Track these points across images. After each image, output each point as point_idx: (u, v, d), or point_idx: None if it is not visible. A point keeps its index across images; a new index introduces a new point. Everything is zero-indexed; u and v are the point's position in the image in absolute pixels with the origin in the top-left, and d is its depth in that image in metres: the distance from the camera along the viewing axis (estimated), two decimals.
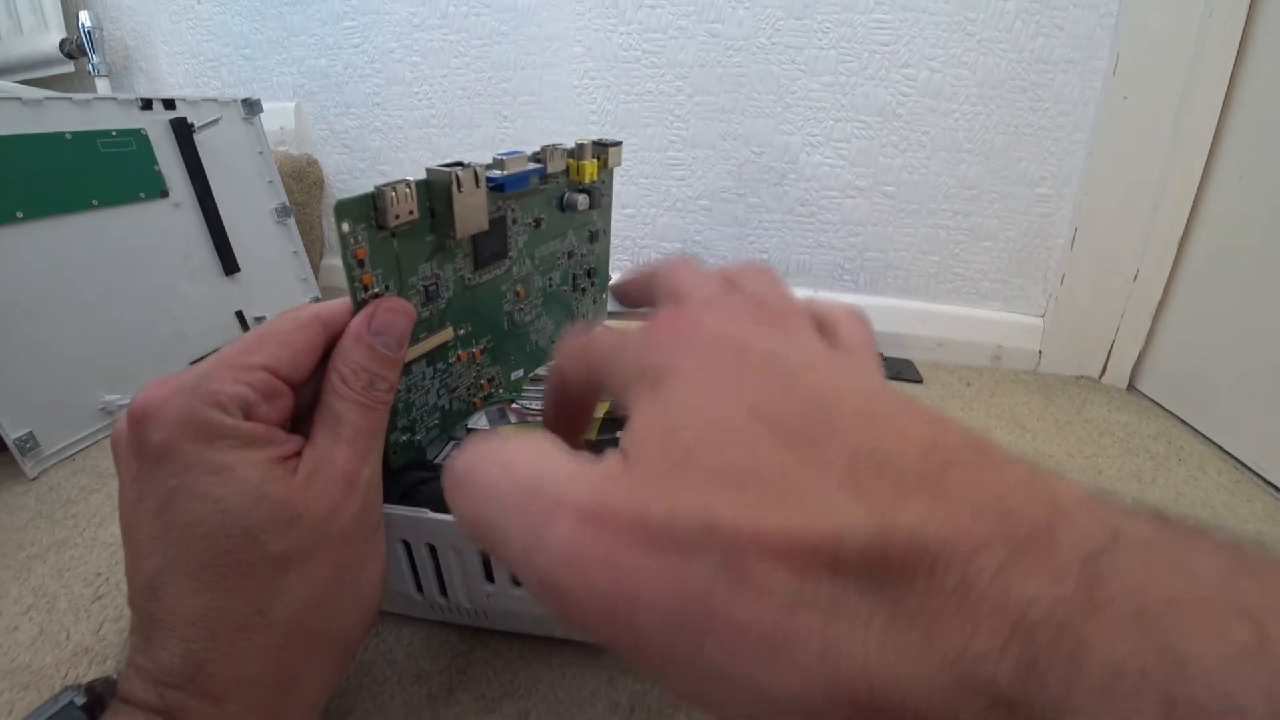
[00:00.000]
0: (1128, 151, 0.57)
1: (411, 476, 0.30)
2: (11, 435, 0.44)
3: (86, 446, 0.49)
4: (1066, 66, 0.58)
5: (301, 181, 0.75)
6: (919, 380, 0.63)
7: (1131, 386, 0.63)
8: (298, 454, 0.21)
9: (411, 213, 0.23)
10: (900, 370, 0.64)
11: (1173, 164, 0.55)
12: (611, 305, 0.42)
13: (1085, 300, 0.62)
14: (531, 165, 0.29)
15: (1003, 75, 0.59)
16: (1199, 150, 0.54)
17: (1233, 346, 0.52)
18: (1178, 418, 0.57)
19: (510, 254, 0.30)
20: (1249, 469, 0.48)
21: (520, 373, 0.34)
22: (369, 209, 0.22)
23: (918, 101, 0.61)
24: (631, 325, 0.17)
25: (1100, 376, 0.64)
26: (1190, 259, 0.57)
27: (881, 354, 0.67)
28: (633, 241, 0.74)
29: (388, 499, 0.26)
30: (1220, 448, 0.52)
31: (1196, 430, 0.54)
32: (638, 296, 0.22)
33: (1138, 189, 0.57)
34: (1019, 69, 0.58)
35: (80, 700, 0.18)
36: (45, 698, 0.18)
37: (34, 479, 0.45)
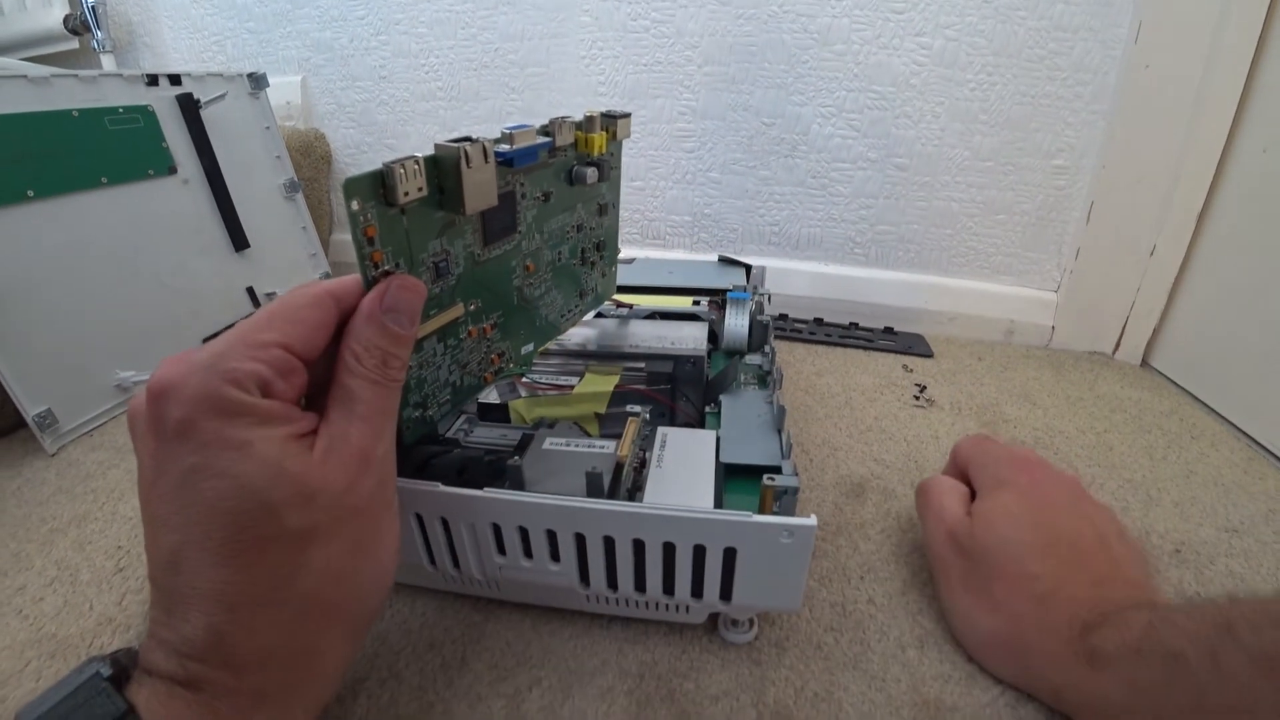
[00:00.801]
0: (1148, 122, 0.56)
1: (425, 451, 0.31)
2: (31, 412, 0.45)
3: (104, 423, 0.50)
4: (1086, 34, 0.56)
5: (309, 156, 0.75)
6: (930, 355, 0.62)
7: (1145, 363, 0.63)
8: (313, 431, 0.21)
9: (420, 189, 0.23)
10: (911, 345, 0.64)
11: (1194, 135, 0.54)
12: (620, 280, 0.42)
13: (1100, 275, 0.61)
14: (540, 139, 0.29)
15: (1020, 43, 0.57)
16: (1222, 121, 0.53)
17: (1250, 323, 0.51)
18: (1191, 395, 0.56)
19: (519, 229, 0.30)
20: (1262, 447, 0.48)
21: (530, 347, 0.34)
22: (378, 186, 0.22)
23: (932, 71, 0.60)
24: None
25: (1114, 352, 0.64)
26: (1209, 234, 0.56)
27: (892, 328, 0.67)
28: (642, 214, 0.73)
29: (401, 473, 0.26)
30: (1234, 425, 0.51)
31: (1210, 408, 0.54)
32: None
33: (1157, 161, 0.56)
34: (1037, 37, 0.57)
35: (106, 671, 0.18)
36: (71, 666, 0.19)
37: (53, 455, 0.46)
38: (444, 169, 0.24)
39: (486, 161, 0.25)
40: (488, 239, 0.28)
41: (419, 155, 0.23)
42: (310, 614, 0.20)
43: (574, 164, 0.33)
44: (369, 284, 0.23)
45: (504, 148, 0.27)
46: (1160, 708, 0.23)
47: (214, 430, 0.19)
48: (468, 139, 0.24)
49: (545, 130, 0.30)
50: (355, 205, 0.22)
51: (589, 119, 0.32)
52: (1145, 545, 0.37)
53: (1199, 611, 0.24)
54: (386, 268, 0.23)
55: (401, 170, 0.22)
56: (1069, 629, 0.26)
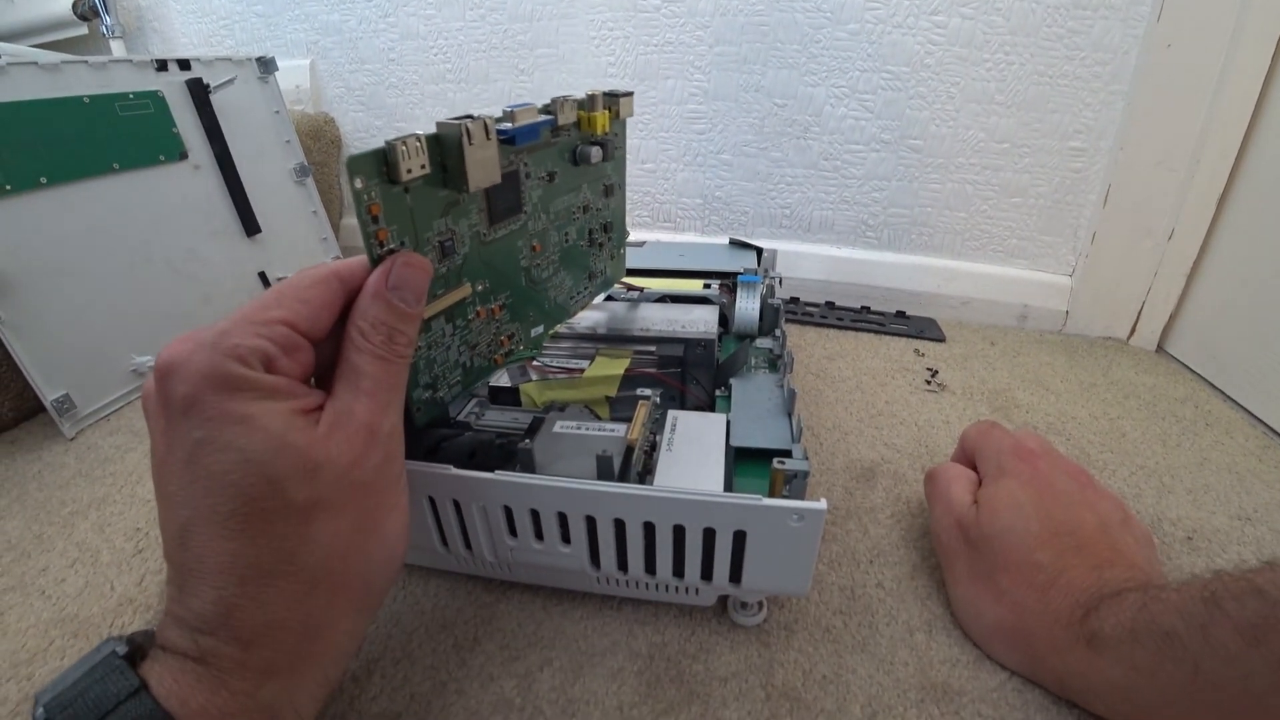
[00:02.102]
0: (1169, 103, 0.54)
1: (436, 433, 0.31)
2: (49, 397, 0.45)
3: (120, 407, 0.50)
4: (1107, 12, 0.55)
5: (319, 140, 0.74)
6: (942, 339, 0.62)
7: (1160, 349, 0.62)
8: (320, 407, 0.21)
9: (423, 167, 0.23)
10: (924, 329, 0.63)
11: (1216, 117, 0.53)
12: (631, 263, 0.42)
13: (1116, 259, 0.61)
14: (542, 117, 0.29)
15: (1038, 21, 0.56)
16: (1245, 102, 0.52)
17: (1269, 310, 0.50)
18: (1207, 381, 0.56)
19: (524, 208, 0.30)
20: (1278, 434, 0.47)
21: (540, 329, 0.34)
22: (381, 164, 0.22)
23: (947, 50, 0.59)
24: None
25: (1128, 338, 0.63)
26: (1229, 218, 0.55)
27: (905, 312, 0.66)
28: (652, 197, 0.72)
29: (413, 456, 0.26)
30: (1249, 412, 0.50)
31: (1225, 394, 0.53)
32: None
33: (1177, 143, 0.55)
34: (1056, 15, 0.56)
35: (121, 650, 0.19)
36: (94, 645, 0.19)
37: (72, 439, 0.46)
38: (446, 146, 0.24)
39: (488, 138, 0.25)
40: (493, 218, 0.28)
41: (420, 133, 0.23)
42: (317, 588, 0.20)
43: (578, 144, 0.32)
44: (374, 262, 0.23)
45: (506, 125, 0.27)
46: (1160, 687, 0.24)
47: (217, 405, 0.19)
48: (469, 116, 0.24)
49: (548, 109, 0.30)
50: (359, 183, 0.22)
51: (590, 98, 0.32)
52: (1156, 533, 0.37)
53: (1187, 587, 0.24)
54: (392, 246, 0.23)
55: (404, 147, 0.22)
56: (1069, 614, 0.26)
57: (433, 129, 0.24)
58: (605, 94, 0.32)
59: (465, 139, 0.24)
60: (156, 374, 0.20)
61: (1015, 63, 0.58)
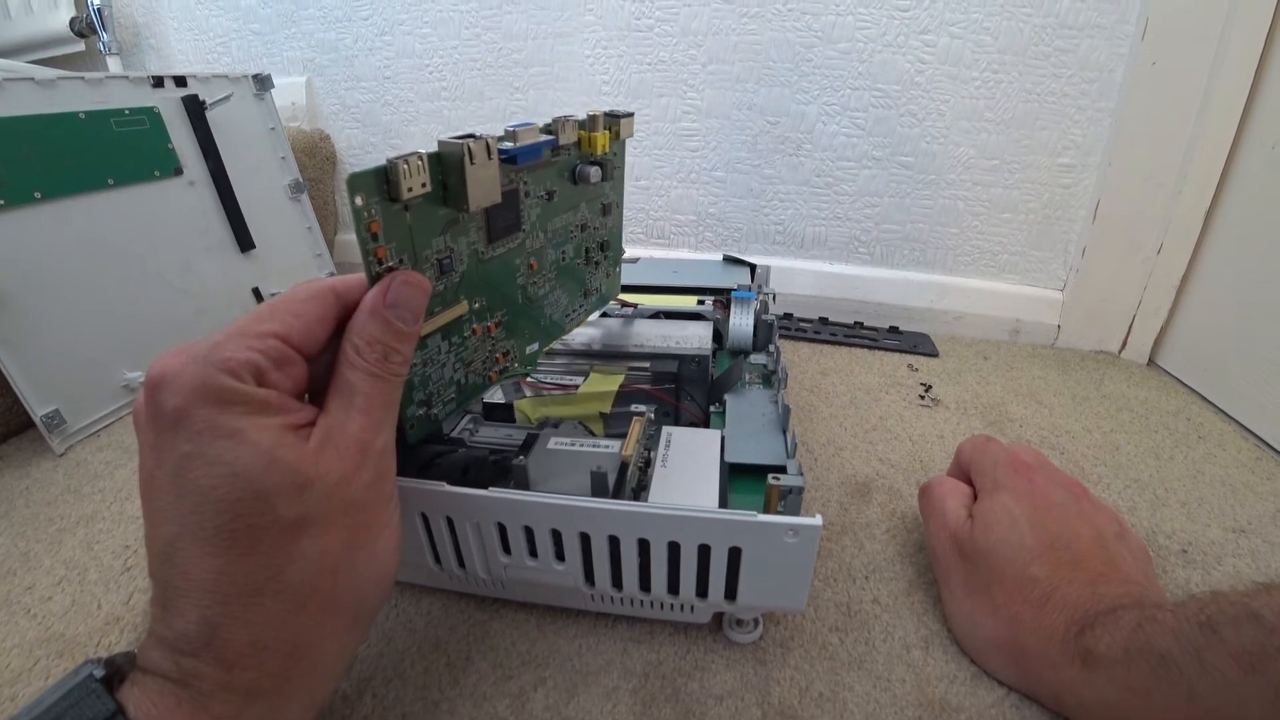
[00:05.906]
0: (1155, 119, 0.55)
1: (429, 450, 0.31)
2: (38, 413, 0.45)
3: (111, 423, 0.50)
4: (1093, 31, 0.56)
5: (314, 157, 0.75)
6: (935, 354, 0.62)
7: (1152, 362, 0.62)
8: (311, 423, 0.21)
9: (424, 185, 0.23)
10: (917, 344, 0.64)
11: (1202, 132, 0.54)
12: (625, 280, 0.42)
13: (1107, 274, 0.61)
14: (543, 137, 0.29)
15: (1026, 40, 0.57)
16: (1230, 118, 0.53)
17: (1258, 322, 0.51)
18: (1198, 394, 0.56)
19: (523, 227, 0.30)
20: (1270, 446, 0.48)
21: (535, 346, 0.34)
22: (382, 182, 0.22)
23: (937, 69, 0.60)
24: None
25: (1120, 351, 0.63)
26: (1217, 232, 0.56)
27: (898, 328, 0.66)
28: (646, 214, 0.73)
29: (406, 473, 0.26)
30: (1241, 425, 0.51)
31: (1217, 407, 0.54)
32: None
33: (1164, 159, 0.56)
34: (1043, 34, 0.57)
35: (99, 673, 0.18)
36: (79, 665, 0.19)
37: (61, 455, 0.46)
38: (447, 165, 0.24)
39: (490, 158, 0.25)
40: (491, 237, 0.28)
41: (423, 151, 0.23)
42: (305, 606, 0.20)
43: (577, 163, 0.33)
44: (373, 280, 0.23)
45: (507, 145, 0.27)
46: (1154, 709, 0.24)
47: (207, 418, 0.19)
48: (471, 135, 0.24)
49: (549, 129, 0.30)
50: (359, 201, 0.22)
51: (592, 118, 0.32)
52: (1151, 546, 0.37)
53: (1183, 609, 0.24)
54: (390, 264, 0.23)
55: (405, 166, 0.22)
56: (1064, 630, 0.26)
57: (428, 146, 0.24)
58: (606, 114, 0.33)
59: (467, 158, 0.24)
60: (147, 387, 0.20)
61: (1004, 81, 0.59)
